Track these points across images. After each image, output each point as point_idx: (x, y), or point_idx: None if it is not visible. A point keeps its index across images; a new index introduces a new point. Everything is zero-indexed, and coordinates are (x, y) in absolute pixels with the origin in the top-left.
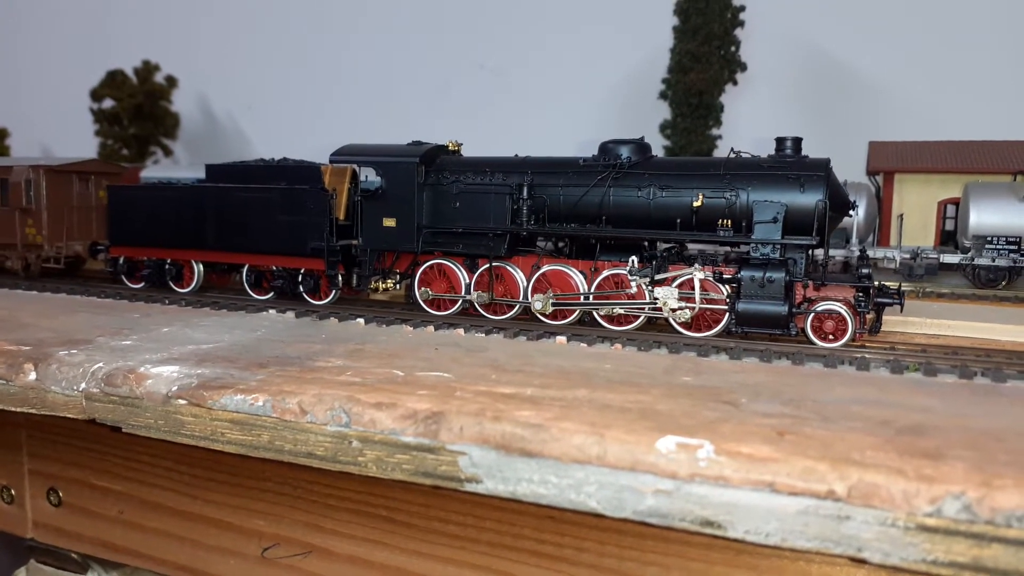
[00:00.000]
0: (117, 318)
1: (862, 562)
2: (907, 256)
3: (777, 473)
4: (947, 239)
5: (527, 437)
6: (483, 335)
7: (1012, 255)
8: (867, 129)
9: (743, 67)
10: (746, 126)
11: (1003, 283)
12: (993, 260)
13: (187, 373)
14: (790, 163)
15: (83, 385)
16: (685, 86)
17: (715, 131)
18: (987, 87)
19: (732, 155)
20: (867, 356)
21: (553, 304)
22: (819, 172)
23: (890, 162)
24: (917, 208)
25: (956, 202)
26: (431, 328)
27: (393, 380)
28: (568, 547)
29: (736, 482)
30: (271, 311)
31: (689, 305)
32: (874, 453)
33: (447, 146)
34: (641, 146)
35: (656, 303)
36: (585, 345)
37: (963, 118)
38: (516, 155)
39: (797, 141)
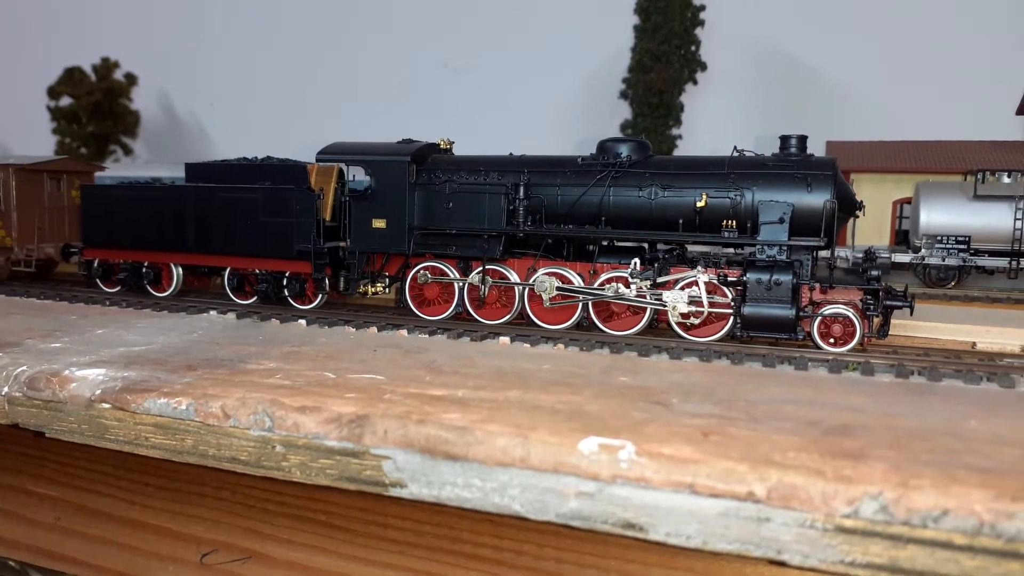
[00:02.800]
0: (53, 320)
1: (782, 564)
2: (859, 256)
3: (697, 474)
4: (902, 239)
5: (451, 440)
6: (426, 336)
7: (961, 254)
8: (827, 128)
9: (703, 66)
10: (706, 125)
11: (951, 283)
12: (943, 259)
13: (113, 376)
14: (796, 162)
15: (5, 389)
16: (645, 85)
17: (675, 130)
18: (945, 87)
19: (735, 154)
20: (806, 356)
21: (559, 289)
22: (826, 171)
23: (846, 162)
24: (873, 208)
25: (910, 201)
26: (374, 329)
27: (323, 383)
28: (507, 550)
29: (657, 483)
30: (212, 312)
31: (699, 309)
32: (796, 454)
33: (439, 144)
34: (641, 144)
35: (663, 302)
36: (528, 346)
37: (921, 118)
38: (511, 153)
39: (802, 139)
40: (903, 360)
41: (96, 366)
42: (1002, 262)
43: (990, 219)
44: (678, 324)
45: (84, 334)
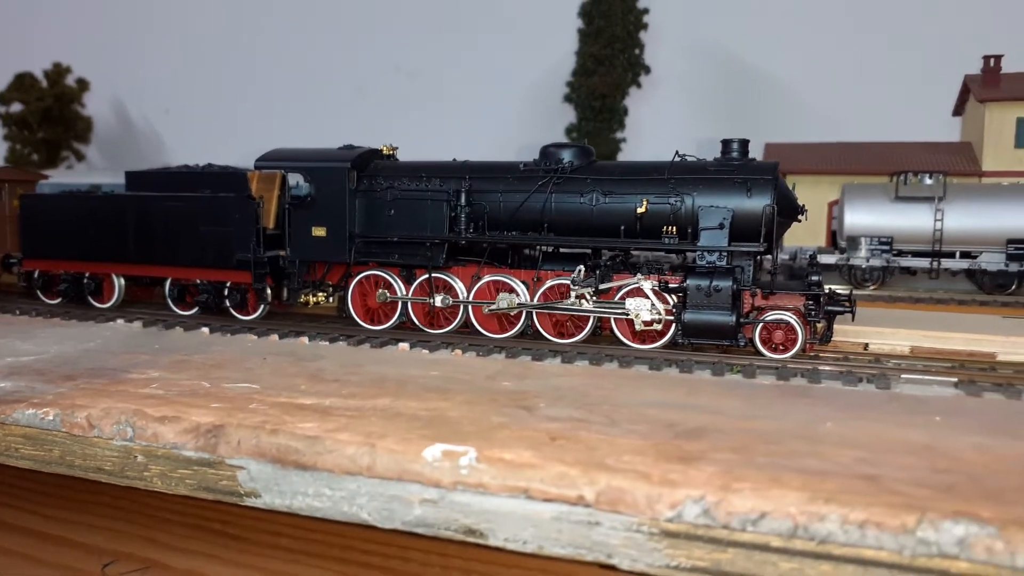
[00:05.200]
0: None
1: (613, 568)
2: (786, 257)
3: (532, 479)
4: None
5: (301, 450)
6: (327, 343)
7: (885, 255)
8: (771, 130)
9: (647, 70)
10: (650, 128)
11: (872, 285)
12: (867, 260)
13: None
14: (736, 167)
15: None
16: (588, 89)
17: (619, 134)
18: (884, 89)
19: (677, 159)
20: (693, 359)
21: (520, 305)
22: (767, 176)
23: (784, 163)
24: (808, 209)
25: None
26: (275, 337)
27: (195, 392)
28: (394, 557)
29: (494, 489)
30: (119, 320)
31: (663, 317)
32: (631, 457)
33: (381, 150)
34: (584, 150)
35: (626, 311)
36: (426, 352)
37: (862, 119)
38: (455, 159)
39: (744, 143)
40: (787, 362)
41: None
42: (924, 262)
43: (911, 220)
44: (623, 332)
45: None
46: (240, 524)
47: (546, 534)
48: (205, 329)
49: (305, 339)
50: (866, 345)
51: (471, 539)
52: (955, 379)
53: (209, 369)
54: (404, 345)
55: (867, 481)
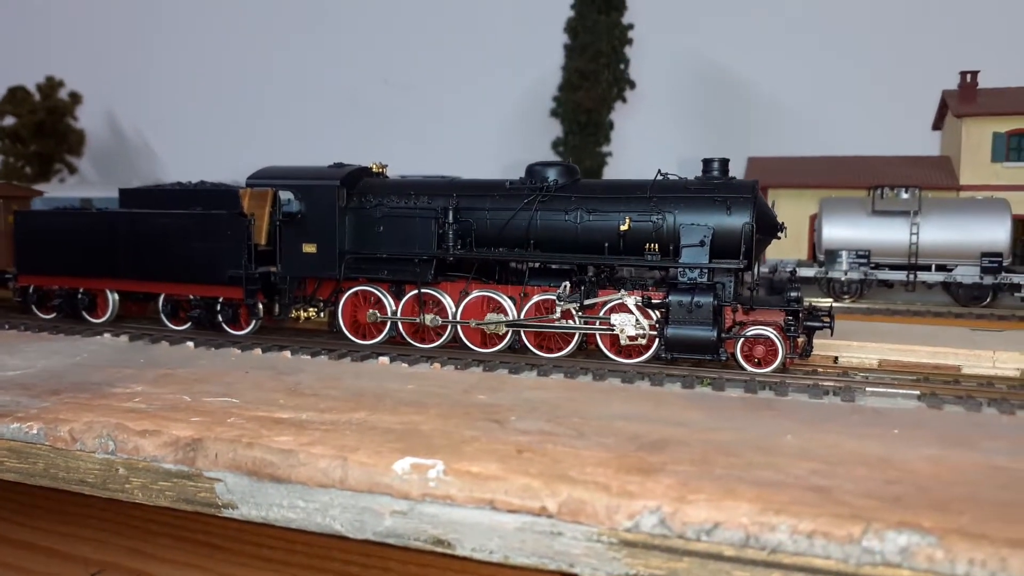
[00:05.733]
0: None
1: None
2: (766, 270)
3: (497, 491)
4: None
5: (276, 462)
6: (308, 357)
7: (862, 268)
8: (755, 144)
9: (632, 85)
10: (636, 143)
11: (848, 297)
12: (845, 273)
13: None
14: (717, 185)
15: None
16: (574, 104)
17: (605, 148)
18: (867, 104)
19: (659, 177)
20: (665, 372)
21: (508, 324)
22: (746, 194)
23: (766, 177)
24: (791, 222)
25: None
26: (258, 351)
27: (176, 406)
28: (374, 567)
29: (461, 500)
30: (106, 335)
31: (647, 332)
32: (593, 469)
33: (370, 168)
34: (568, 168)
35: (613, 328)
36: (406, 366)
37: (844, 133)
38: (442, 176)
39: (724, 162)
40: (755, 375)
41: None
42: (901, 275)
43: (888, 233)
44: (609, 347)
45: None
46: (224, 535)
47: (511, 544)
48: (190, 343)
49: (287, 353)
50: (836, 358)
51: (440, 549)
52: (918, 392)
53: (192, 383)
54: (384, 359)
55: (818, 493)
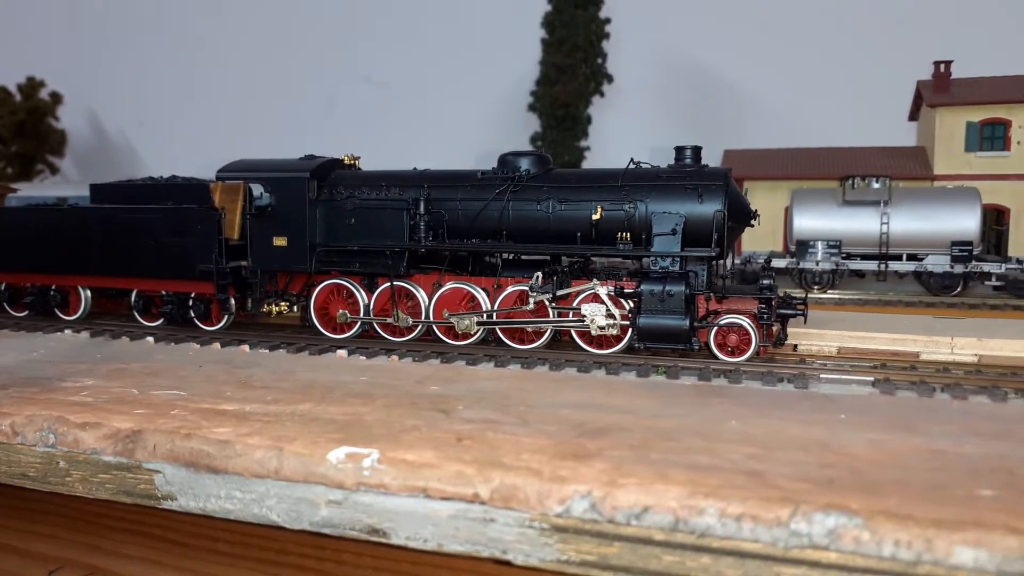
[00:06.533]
0: None
1: (508, 564)
2: (739, 262)
3: (430, 479)
4: None
5: (213, 453)
6: (266, 351)
7: (834, 258)
8: (732, 136)
9: (609, 79)
10: (614, 137)
11: (818, 287)
12: (817, 263)
13: None
14: (689, 173)
15: None
16: (551, 98)
17: (583, 142)
18: (842, 95)
19: (631, 166)
20: (623, 361)
21: (479, 323)
22: (718, 182)
23: (742, 169)
24: (766, 214)
25: None
26: (217, 345)
27: (123, 399)
28: (328, 560)
29: (395, 489)
30: (67, 331)
31: (618, 322)
32: (529, 456)
33: (342, 160)
34: (541, 158)
35: (583, 319)
36: (363, 358)
37: (821, 124)
38: (414, 168)
39: (696, 150)
40: (710, 364)
41: None
42: (872, 265)
43: (858, 223)
44: (582, 337)
45: None
46: (180, 530)
47: (444, 532)
48: (150, 339)
49: (246, 347)
50: (795, 346)
51: (375, 538)
52: (872, 378)
53: (144, 377)
54: (342, 352)
55: (750, 476)
